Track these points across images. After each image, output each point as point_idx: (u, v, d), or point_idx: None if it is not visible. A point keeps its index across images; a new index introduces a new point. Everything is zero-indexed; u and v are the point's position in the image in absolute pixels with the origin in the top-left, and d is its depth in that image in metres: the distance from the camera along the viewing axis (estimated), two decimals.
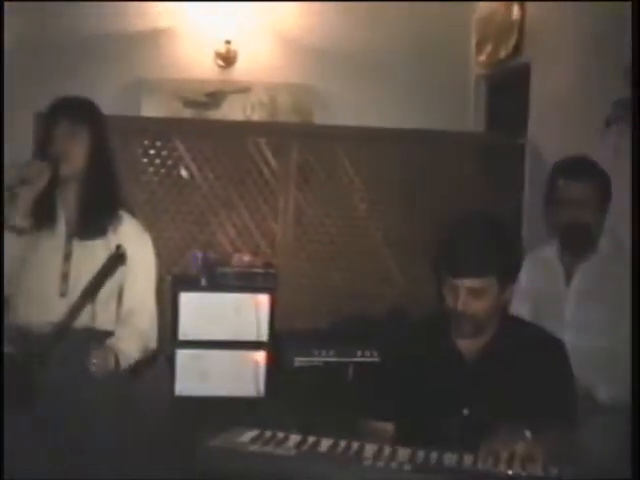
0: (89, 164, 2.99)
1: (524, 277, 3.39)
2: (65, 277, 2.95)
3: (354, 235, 4.63)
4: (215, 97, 5.56)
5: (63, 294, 2.94)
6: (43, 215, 2.92)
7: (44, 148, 2.95)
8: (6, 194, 2.81)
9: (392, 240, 4.63)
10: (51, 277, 2.95)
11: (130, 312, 3.06)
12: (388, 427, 2.47)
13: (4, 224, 2.80)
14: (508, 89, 5.31)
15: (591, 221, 3.19)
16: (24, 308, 2.87)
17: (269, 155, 4.55)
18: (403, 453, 2.06)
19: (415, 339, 2.57)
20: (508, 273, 2.41)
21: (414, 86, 5.58)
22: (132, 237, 3.06)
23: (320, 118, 5.54)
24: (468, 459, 2.05)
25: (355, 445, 2.11)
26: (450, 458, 2.05)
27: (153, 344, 3.17)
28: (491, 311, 2.39)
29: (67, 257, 2.96)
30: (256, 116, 5.57)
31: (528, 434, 2.19)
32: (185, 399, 4.08)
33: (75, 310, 2.74)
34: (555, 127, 4.47)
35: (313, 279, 4.62)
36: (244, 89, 5.58)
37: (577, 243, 3.26)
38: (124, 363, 2.96)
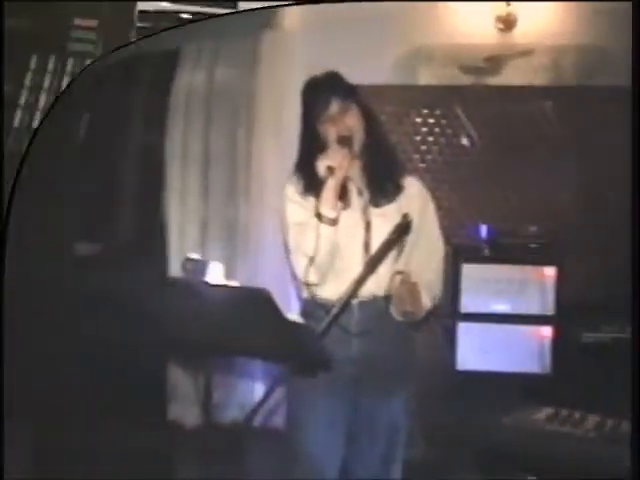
0: (367, 134, 2.98)
1: None
2: (367, 247, 2.93)
3: None
4: (494, 62, 5.38)
5: None
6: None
7: (324, 131, 2.93)
8: (315, 184, 2.86)
9: None
10: (354, 251, 2.94)
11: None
12: None
13: (316, 212, 2.84)
14: None
15: None
16: (331, 286, 2.88)
17: (554, 120, 4.32)
18: None
19: None
20: None
21: None
22: (418, 202, 3.03)
23: (605, 81, 5.21)
24: None
25: None
26: None
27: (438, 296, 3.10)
28: None
29: (367, 227, 2.95)
30: (539, 80, 5.33)
31: None
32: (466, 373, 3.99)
33: (361, 280, 2.72)
34: None
35: (602, 251, 4.35)
36: (526, 52, 5.36)
37: None
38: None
